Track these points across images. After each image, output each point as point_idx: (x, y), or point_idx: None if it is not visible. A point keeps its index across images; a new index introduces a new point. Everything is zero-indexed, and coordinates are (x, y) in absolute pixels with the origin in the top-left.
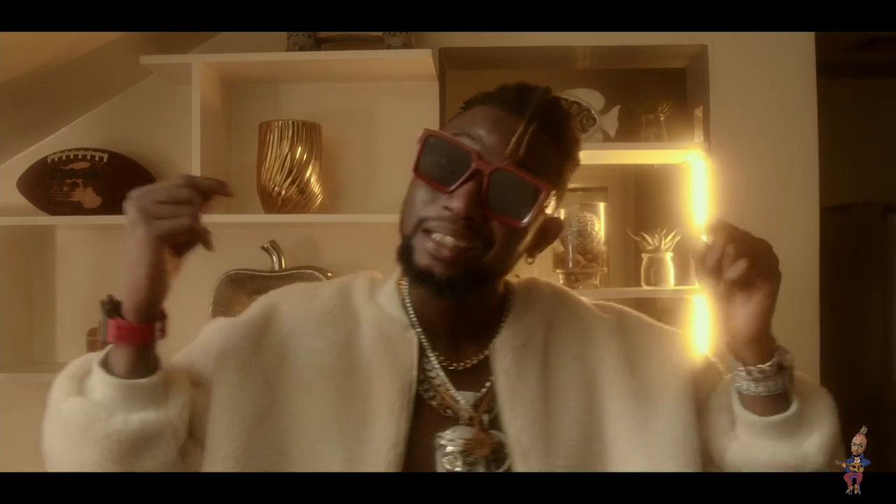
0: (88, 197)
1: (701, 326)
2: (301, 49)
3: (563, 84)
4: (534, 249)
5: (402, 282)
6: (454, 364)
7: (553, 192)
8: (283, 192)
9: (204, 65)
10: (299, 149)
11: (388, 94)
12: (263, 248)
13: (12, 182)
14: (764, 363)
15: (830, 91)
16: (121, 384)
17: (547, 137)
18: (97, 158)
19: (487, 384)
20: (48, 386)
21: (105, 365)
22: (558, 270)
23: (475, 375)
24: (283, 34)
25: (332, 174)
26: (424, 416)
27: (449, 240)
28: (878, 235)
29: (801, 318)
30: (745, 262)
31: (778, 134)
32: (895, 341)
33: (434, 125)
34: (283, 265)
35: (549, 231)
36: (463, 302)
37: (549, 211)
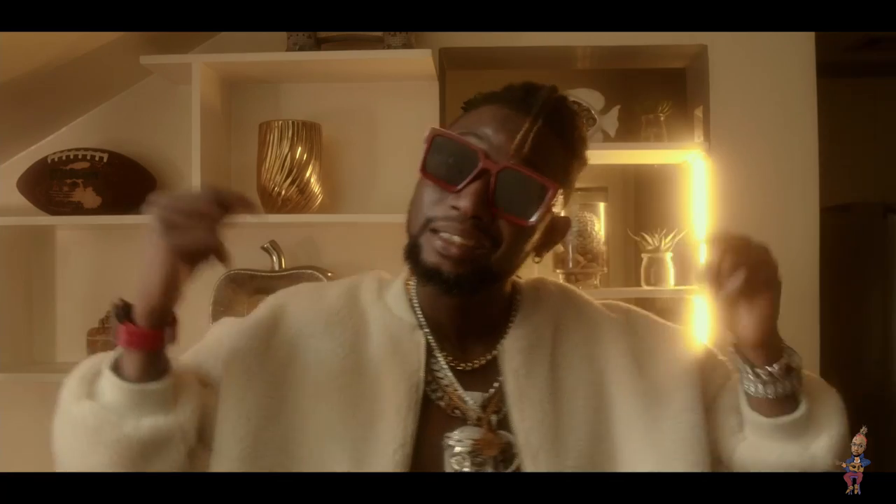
0: (88, 197)
1: (701, 326)
2: (301, 49)
3: (563, 84)
4: (541, 248)
5: (409, 282)
6: (462, 364)
7: (560, 191)
8: (283, 192)
9: (204, 65)
10: (299, 149)
11: (388, 94)
12: (263, 248)
13: (12, 182)
14: (771, 365)
15: (830, 91)
16: (131, 389)
17: (553, 135)
18: (97, 158)
19: (496, 384)
20: (48, 386)
21: (115, 368)
22: (558, 270)
23: (483, 376)
24: (283, 34)
25: (332, 174)
26: (432, 416)
27: (457, 239)
28: (878, 235)
29: (801, 318)
30: (742, 275)
31: (778, 134)
32: (895, 341)
33: (434, 125)
34: (283, 265)
35: (557, 230)
36: (471, 301)
37: (556, 210)
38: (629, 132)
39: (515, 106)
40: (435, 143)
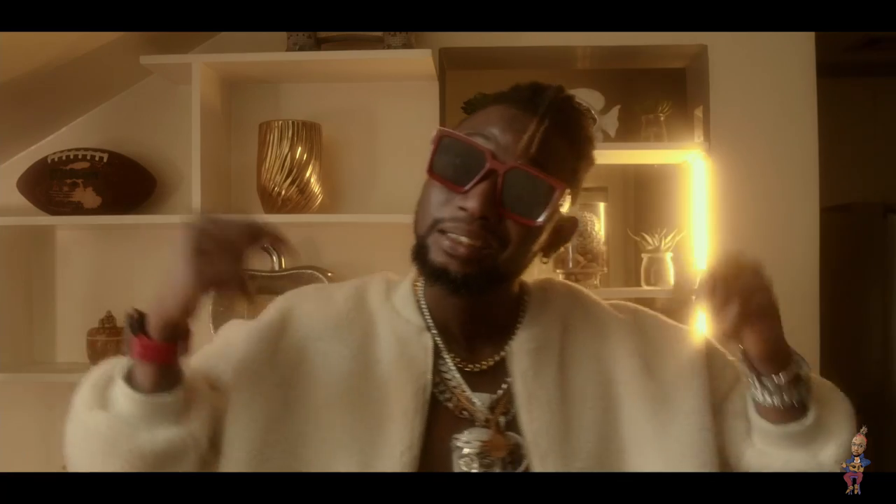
0: (88, 197)
1: (701, 326)
2: (301, 49)
3: (563, 84)
4: (549, 249)
5: (417, 283)
6: (470, 365)
7: (567, 191)
8: (283, 192)
9: (204, 65)
10: (299, 149)
11: (388, 94)
12: (263, 248)
13: (12, 182)
14: (778, 374)
15: (830, 91)
16: (144, 400)
17: (560, 136)
18: (97, 158)
19: (504, 386)
20: (48, 386)
21: (128, 378)
22: (558, 270)
23: (491, 377)
24: (283, 34)
25: (332, 174)
26: (440, 417)
27: (464, 240)
28: (878, 235)
29: (801, 318)
30: (735, 309)
31: (778, 134)
32: (895, 341)
33: (434, 125)
34: (283, 265)
35: (564, 230)
36: (478, 301)
37: (563, 210)
38: (629, 132)
39: (522, 106)
40: (442, 143)
